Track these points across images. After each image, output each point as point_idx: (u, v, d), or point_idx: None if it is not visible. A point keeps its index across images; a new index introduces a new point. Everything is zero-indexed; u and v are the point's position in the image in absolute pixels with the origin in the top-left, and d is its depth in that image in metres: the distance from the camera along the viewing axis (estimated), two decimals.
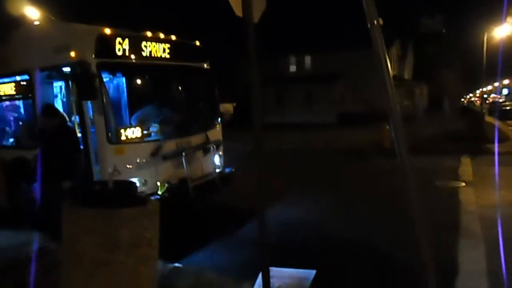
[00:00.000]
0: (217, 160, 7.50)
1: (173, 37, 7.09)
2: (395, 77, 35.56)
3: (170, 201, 6.04)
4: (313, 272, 4.21)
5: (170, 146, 6.55)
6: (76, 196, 3.17)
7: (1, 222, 6.17)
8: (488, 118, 20.17)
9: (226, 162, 7.85)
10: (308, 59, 37.71)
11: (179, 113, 7.27)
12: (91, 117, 5.85)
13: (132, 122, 6.68)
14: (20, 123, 7.50)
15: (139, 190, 5.82)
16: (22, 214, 6.39)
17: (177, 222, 5.93)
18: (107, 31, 6.00)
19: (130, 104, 6.99)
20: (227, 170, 7.69)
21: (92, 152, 5.86)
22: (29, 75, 6.61)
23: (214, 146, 7.39)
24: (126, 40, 6.10)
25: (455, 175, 10.41)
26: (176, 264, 4.80)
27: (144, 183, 6.09)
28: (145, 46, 6.47)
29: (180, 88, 7.68)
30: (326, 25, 32.45)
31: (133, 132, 6.14)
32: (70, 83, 6.43)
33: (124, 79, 7.03)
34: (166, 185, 6.30)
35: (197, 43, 7.63)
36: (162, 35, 6.88)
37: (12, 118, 7.55)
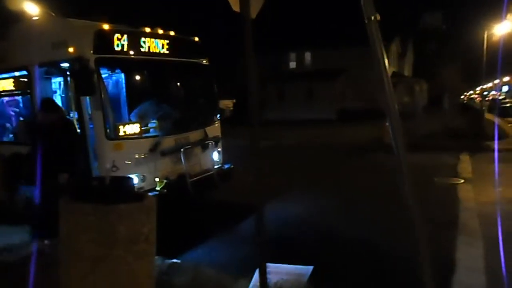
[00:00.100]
0: (216, 156, 7.50)
1: (172, 33, 7.07)
2: (395, 74, 35.56)
3: (169, 197, 6.05)
4: (311, 268, 4.21)
5: (168, 142, 6.54)
6: (73, 192, 3.16)
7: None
8: (488, 115, 20.12)
9: (225, 158, 7.85)
10: (308, 56, 37.70)
11: (178, 109, 7.26)
12: (90, 113, 5.85)
13: (131, 118, 6.68)
14: (19, 118, 7.49)
15: (138, 186, 5.84)
16: (21, 210, 6.39)
17: (175, 218, 5.93)
18: (106, 26, 6.00)
19: (128, 100, 6.98)
20: (226, 166, 7.70)
21: (90, 148, 5.86)
22: (27, 70, 6.60)
23: (213, 142, 7.38)
24: (125, 36, 6.09)
25: (454, 172, 10.40)
26: (175, 260, 4.80)
27: (143, 179, 6.10)
28: (144, 42, 6.45)
29: (178, 84, 7.67)
30: (326, 22, 32.39)
31: (132, 128, 6.13)
32: (68, 78, 6.42)
33: (122, 75, 7.03)
34: (165, 181, 6.30)
35: (196, 39, 7.59)
36: (160, 31, 6.86)
37: (10, 114, 7.55)
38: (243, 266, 4.41)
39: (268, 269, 3.61)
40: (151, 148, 6.24)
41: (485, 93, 38.68)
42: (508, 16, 18.49)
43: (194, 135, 7.10)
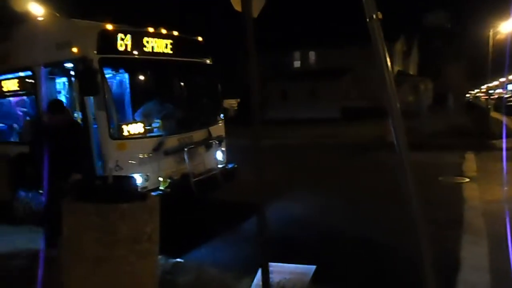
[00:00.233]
0: (219, 156, 7.50)
1: (175, 33, 7.07)
2: (400, 72, 35.43)
3: (172, 196, 6.06)
4: (313, 267, 4.21)
5: (172, 141, 6.55)
6: (76, 192, 3.17)
7: (3, 217, 6.22)
8: (494, 114, 20.02)
9: (229, 158, 7.85)
10: (312, 55, 37.68)
11: (182, 109, 7.26)
12: (93, 113, 5.86)
13: (135, 118, 6.69)
14: (23, 118, 7.52)
15: (141, 185, 5.85)
16: (21, 214, 6.43)
17: (179, 218, 5.94)
18: (109, 27, 6.00)
19: (132, 99, 7.00)
20: (229, 166, 7.70)
21: (94, 148, 5.87)
22: (32, 71, 6.62)
23: (217, 142, 7.38)
24: (128, 36, 6.10)
25: (459, 170, 10.36)
26: (178, 259, 4.82)
27: (147, 179, 6.10)
28: (147, 42, 6.46)
29: (182, 83, 7.67)
30: (330, 21, 32.33)
31: (135, 128, 6.14)
32: (72, 79, 6.44)
33: (126, 75, 7.04)
34: (169, 180, 6.31)
35: (200, 38, 7.60)
36: (164, 31, 6.87)
37: (15, 114, 7.58)
38: (246, 266, 4.42)
39: (270, 269, 3.61)
40: (155, 147, 6.25)
41: (490, 91, 38.40)
42: None
43: (198, 135, 7.11)
